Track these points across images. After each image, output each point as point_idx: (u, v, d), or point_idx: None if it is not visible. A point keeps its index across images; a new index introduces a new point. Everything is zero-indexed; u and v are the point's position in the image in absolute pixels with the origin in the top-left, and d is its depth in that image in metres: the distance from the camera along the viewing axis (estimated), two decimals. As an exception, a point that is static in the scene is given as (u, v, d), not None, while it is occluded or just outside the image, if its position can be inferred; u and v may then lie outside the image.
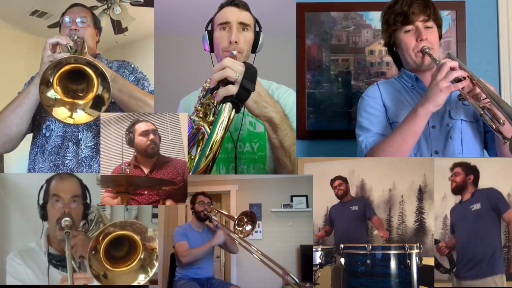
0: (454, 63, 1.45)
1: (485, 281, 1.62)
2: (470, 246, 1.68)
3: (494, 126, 1.40)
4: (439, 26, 1.68)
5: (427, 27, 1.62)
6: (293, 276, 1.80)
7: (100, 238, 1.29)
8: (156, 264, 1.35)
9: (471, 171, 1.72)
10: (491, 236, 1.65)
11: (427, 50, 1.60)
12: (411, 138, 1.51)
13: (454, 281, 1.72)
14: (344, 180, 2.06)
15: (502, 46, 2.28)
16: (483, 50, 2.28)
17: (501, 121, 1.37)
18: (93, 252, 1.28)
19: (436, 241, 1.79)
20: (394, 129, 1.59)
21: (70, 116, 1.50)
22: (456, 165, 1.71)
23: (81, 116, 1.52)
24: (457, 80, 1.44)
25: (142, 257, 1.34)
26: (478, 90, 1.44)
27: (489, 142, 1.67)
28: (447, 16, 2.25)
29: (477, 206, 1.69)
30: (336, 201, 2.07)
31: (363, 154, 1.64)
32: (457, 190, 1.74)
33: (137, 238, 1.33)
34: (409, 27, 1.63)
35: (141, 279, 1.34)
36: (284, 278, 1.81)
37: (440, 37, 1.69)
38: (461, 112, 1.63)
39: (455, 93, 1.52)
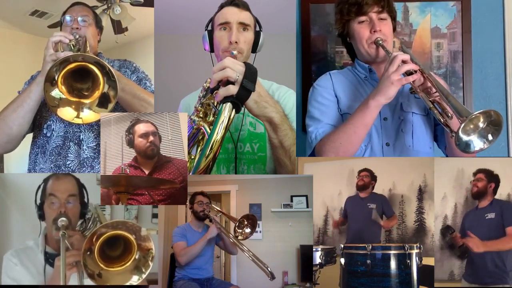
0: (406, 56, 1.45)
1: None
2: (480, 254, 1.68)
3: (442, 120, 1.41)
4: (393, 19, 1.66)
5: (381, 19, 1.61)
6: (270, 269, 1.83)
7: (94, 239, 1.29)
8: (151, 265, 1.34)
9: (493, 179, 1.73)
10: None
11: (380, 42, 1.59)
12: (362, 129, 1.50)
13: (464, 283, 1.74)
14: (371, 174, 2.05)
15: (508, 37, 2.26)
16: (488, 41, 2.27)
17: (449, 114, 1.38)
18: (88, 252, 1.28)
19: (451, 230, 1.78)
20: (345, 121, 1.58)
21: (78, 116, 1.50)
22: (479, 171, 1.74)
23: (89, 115, 1.51)
24: (409, 73, 1.44)
25: (137, 257, 1.33)
26: (428, 84, 1.45)
27: (439, 135, 1.67)
28: (452, 7, 2.24)
29: (491, 215, 1.70)
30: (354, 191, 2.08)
31: (312, 145, 1.61)
32: (477, 195, 1.75)
33: (131, 237, 1.32)
34: (362, 18, 1.62)
35: (135, 280, 1.33)
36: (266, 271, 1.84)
37: (394, 29, 1.68)
38: (413, 105, 1.63)
39: (407, 86, 1.53)
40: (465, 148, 1.36)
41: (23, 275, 1.39)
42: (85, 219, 1.47)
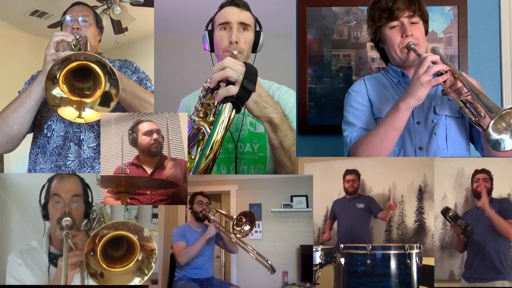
0: (436, 57, 1.45)
1: (494, 284, 1.64)
2: (480, 250, 1.69)
3: (474, 120, 1.40)
4: (425, 22, 1.66)
5: (413, 23, 1.61)
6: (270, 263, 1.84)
7: (97, 240, 1.29)
8: (154, 266, 1.33)
9: (491, 181, 1.73)
10: (500, 243, 1.66)
11: (412, 46, 1.59)
12: (393, 133, 1.51)
13: (463, 282, 1.73)
14: (358, 176, 2.05)
15: (504, 42, 2.28)
16: (485, 46, 2.28)
17: (482, 114, 1.37)
18: (91, 253, 1.28)
19: (457, 218, 1.77)
20: (377, 124, 1.59)
21: (79, 116, 1.49)
22: (484, 171, 1.73)
23: (91, 115, 1.50)
24: (439, 74, 1.43)
25: (140, 258, 1.33)
26: (459, 84, 1.44)
27: (475, 136, 1.66)
28: (449, 11, 2.25)
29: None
30: (342, 194, 2.06)
31: (348, 148, 1.63)
32: (478, 194, 1.74)
33: (134, 238, 1.32)
34: (394, 23, 1.62)
35: (136, 282, 1.33)
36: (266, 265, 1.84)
37: (426, 32, 1.68)
38: (446, 107, 1.62)
39: (440, 88, 1.52)
40: (495, 145, 1.34)
41: (27, 276, 1.39)
42: (89, 219, 1.47)
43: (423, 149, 1.61)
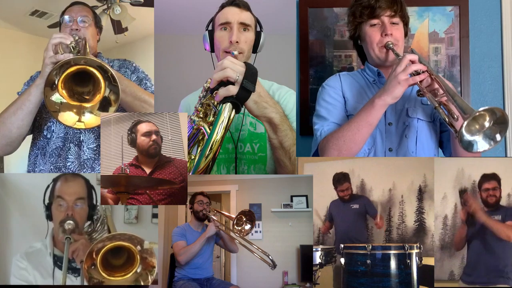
0: (414, 57, 1.45)
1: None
2: (482, 252, 1.69)
3: (447, 120, 1.40)
4: (406, 24, 1.67)
5: (393, 23, 1.62)
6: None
7: (94, 255, 1.29)
8: (151, 281, 1.34)
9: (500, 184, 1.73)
10: (502, 248, 1.66)
11: (390, 45, 1.59)
12: (366, 128, 1.50)
13: (461, 283, 1.74)
14: (348, 179, 2.05)
15: (506, 41, 2.28)
16: (486, 46, 2.28)
17: (455, 116, 1.37)
18: (92, 267, 1.28)
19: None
20: (349, 119, 1.58)
21: (79, 120, 1.49)
22: (496, 177, 1.72)
23: (91, 119, 1.50)
24: (416, 73, 1.44)
25: (138, 271, 1.33)
26: (436, 85, 1.44)
27: (445, 141, 1.67)
28: (450, 11, 2.25)
29: (498, 218, 1.69)
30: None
31: (317, 142, 1.62)
32: (495, 205, 1.72)
33: (134, 248, 1.32)
34: (374, 21, 1.62)
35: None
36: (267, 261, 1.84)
37: (406, 34, 1.69)
38: (419, 111, 1.63)
39: (414, 92, 1.53)
40: (468, 147, 1.36)
41: (33, 276, 1.39)
42: (92, 221, 1.46)
43: (392, 150, 1.62)
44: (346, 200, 2.05)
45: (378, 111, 1.48)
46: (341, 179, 2.04)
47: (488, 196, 1.72)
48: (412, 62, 1.44)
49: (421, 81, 1.44)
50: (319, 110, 1.68)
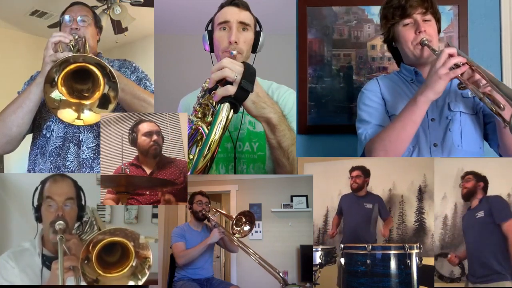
0: (452, 50, 1.45)
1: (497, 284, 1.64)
2: (477, 253, 1.68)
3: (494, 110, 1.37)
4: (438, 20, 1.67)
5: (425, 20, 1.62)
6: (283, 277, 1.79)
7: (90, 247, 1.28)
8: (148, 273, 1.33)
9: (481, 179, 1.73)
10: (492, 245, 1.65)
11: (426, 42, 1.59)
12: (410, 126, 1.50)
13: (467, 283, 1.74)
14: (364, 172, 2.04)
15: (504, 41, 2.27)
16: (485, 45, 2.27)
17: (501, 105, 1.35)
18: (86, 261, 1.28)
19: (445, 254, 1.79)
20: (393, 119, 1.59)
21: (78, 118, 1.49)
22: (467, 173, 1.74)
23: (90, 116, 1.51)
24: (456, 66, 1.43)
25: (134, 264, 1.33)
26: (477, 76, 1.43)
27: (490, 133, 1.65)
28: (449, 11, 2.25)
29: (481, 214, 1.69)
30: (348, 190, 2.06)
31: (363, 145, 1.63)
32: (467, 196, 1.74)
33: (129, 244, 1.31)
34: (407, 21, 1.63)
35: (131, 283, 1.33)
36: (278, 278, 1.81)
37: (439, 31, 1.69)
38: (460, 104, 1.62)
39: (454, 86, 1.52)
40: None
41: (20, 278, 1.38)
42: (82, 222, 1.46)
43: (437, 145, 1.61)
44: (353, 189, 2.03)
45: (422, 108, 1.47)
46: (355, 168, 2.04)
47: (463, 188, 1.74)
48: (451, 55, 1.43)
49: (462, 74, 1.43)
50: (360, 114, 1.70)
